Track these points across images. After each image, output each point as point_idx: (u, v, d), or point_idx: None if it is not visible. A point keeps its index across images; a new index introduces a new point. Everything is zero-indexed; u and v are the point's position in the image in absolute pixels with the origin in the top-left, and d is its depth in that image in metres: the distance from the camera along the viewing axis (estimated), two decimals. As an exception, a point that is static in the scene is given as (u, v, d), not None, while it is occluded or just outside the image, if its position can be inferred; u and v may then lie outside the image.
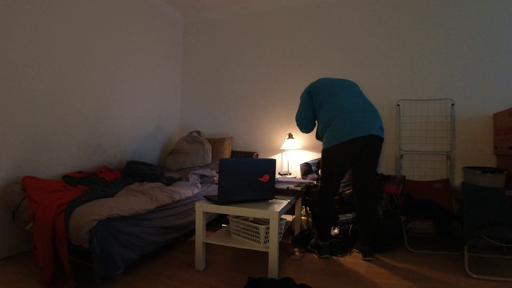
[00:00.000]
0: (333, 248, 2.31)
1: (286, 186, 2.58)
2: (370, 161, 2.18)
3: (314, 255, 2.28)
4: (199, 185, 2.72)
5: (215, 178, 2.97)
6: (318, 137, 2.50)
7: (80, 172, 2.57)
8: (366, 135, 2.06)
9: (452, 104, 2.96)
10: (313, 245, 2.35)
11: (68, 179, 2.34)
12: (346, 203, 2.65)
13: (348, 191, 2.70)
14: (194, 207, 2.35)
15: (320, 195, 2.26)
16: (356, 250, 2.35)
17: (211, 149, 3.49)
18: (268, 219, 1.88)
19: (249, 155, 3.57)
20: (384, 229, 2.41)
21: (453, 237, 2.38)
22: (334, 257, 2.26)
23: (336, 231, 2.53)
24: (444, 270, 2.04)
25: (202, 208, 2.01)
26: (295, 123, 2.55)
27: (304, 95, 2.40)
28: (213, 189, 2.87)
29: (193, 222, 2.42)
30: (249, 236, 2.01)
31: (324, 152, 2.22)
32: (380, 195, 2.60)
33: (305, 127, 2.49)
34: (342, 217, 2.59)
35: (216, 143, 3.62)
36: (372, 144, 2.12)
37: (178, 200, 2.33)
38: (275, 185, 2.37)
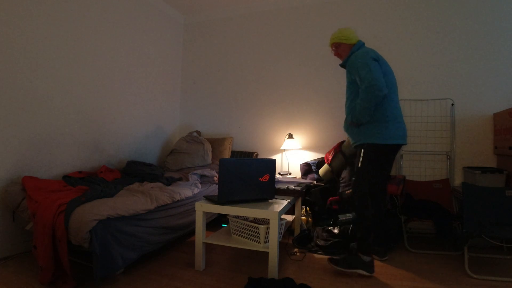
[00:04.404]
0: (333, 248, 2.31)
1: (286, 186, 2.58)
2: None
3: (315, 255, 2.27)
4: (199, 185, 2.72)
5: (215, 178, 2.97)
6: (356, 117, 2.00)
7: (80, 172, 2.57)
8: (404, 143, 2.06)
9: (452, 104, 2.95)
10: (353, 263, 1.93)
11: (68, 179, 2.34)
12: (346, 203, 2.64)
13: (348, 191, 2.69)
14: (194, 207, 2.35)
15: (361, 196, 2.00)
16: None
17: (211, 149, 3.49)
18: (268, 219, 1.88)
19: (249, 155, 3.57)
20: (384, 229, 2.40)
21: (453, 237, 2.38)
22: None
23: (336, 231, 2.52)
24: (444, 270, 2.04)
25: (202, 208, 2.01)
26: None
27: (369, 58, 1.91)
28: (213, 189, 2.87)
29: (193, 222, 2.42)
30: (249, 236, 2.01)
31: (375, 146, 1.94)
32: (381, 195, 2.59)
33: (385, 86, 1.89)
34: (342, 217, 2.59)
35: (216, 143, 3.62)
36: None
37: (178, 200, 2.33)
38: (275, 185, 2.37)
